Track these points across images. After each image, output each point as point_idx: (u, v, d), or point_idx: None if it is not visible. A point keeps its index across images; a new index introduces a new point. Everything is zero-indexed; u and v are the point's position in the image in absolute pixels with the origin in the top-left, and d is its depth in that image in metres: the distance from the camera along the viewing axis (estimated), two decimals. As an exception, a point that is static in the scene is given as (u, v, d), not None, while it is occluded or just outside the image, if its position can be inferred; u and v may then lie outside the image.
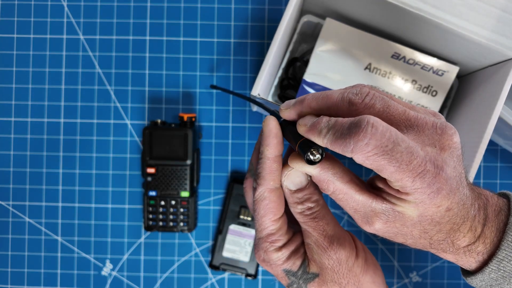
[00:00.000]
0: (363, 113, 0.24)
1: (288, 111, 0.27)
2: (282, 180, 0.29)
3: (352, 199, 0.26)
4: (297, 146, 0.26)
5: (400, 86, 0.49)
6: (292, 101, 0.28)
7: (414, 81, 0.49)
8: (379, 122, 0.22)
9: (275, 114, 0.29)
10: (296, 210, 0.29)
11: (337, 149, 0.24)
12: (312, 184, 0.29)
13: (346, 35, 0.48)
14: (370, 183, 0.27)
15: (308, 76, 0.49)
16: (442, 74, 0.48)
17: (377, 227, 0.26)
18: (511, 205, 0.27)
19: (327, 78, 0.49)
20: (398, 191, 0.24)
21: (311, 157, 0.25)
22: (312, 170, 0.26)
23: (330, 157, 0.27)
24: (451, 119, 0.51)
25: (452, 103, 0.52)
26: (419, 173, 0.23)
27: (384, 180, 0.25)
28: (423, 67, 0.48)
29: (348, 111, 0.25)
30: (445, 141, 0.24)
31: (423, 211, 0.24)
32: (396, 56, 0.48)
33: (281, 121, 0.28)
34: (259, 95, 0.42)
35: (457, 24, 0.40)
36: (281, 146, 0.28)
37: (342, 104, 0.25)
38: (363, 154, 0.23)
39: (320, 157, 0.25)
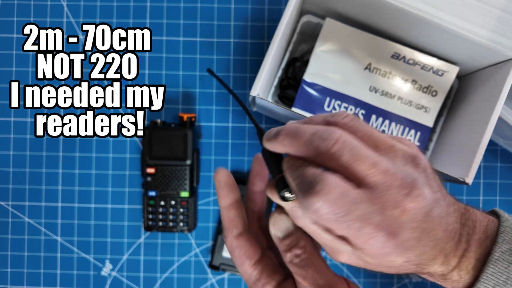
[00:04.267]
0: (328, 163, 0.23)
1: (268, 144, 0.26)
2: (270, 229, 0.28)
3: (319, 236, 0.25)
4: (274, 182, 0.26)
5: (400, 86, 0.49)
6: (272, 132, 0.26)
7: (414, 81, 0.49)
8: (335, 189, 0.22)
9: (262, 132, 0.28)
10: (286, 259, 0.28)
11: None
12: (298, 228, 0.27)
13: (346, 35, 0.48)
14: None
15: (308, 76, 0.49)
16: (442, 74, 0.48)
17: (344, 261, 0.26)
18: (500, 229, 0.26)
19: (327, 78, 0.49)
20: None
21: (286, 194, 0.25)
22: (285, 205, 0.26)
23: None
24: (451, 119, 0.51)
25: (452, 103, 0.52)
26: (368, 240, 0.22)
27: None
28: (423, 67, 0.48)
29: (313, 158, 0.23)
30: (408, 203, 0.22)
31: (379, 262, 0.24)
32: (396, 56, 0.48)
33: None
34: (258, 95, 0.42)
35: (457, 25, 0.40)
36: (233, 193, 0.29)
37: (309, 149, 0.23)
38: (314, 216, 0.23)
39: (294, 197, 0.25)
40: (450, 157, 0.47)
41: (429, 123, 0.49)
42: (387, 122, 0.49)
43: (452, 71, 0.48)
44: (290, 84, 0.53)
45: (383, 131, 0.49)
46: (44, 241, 0.57)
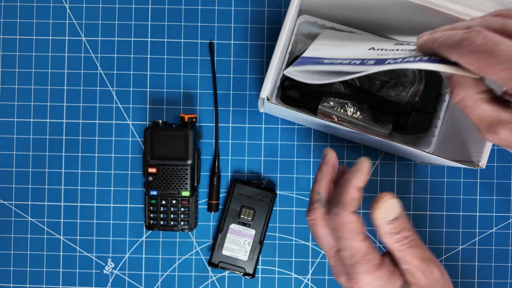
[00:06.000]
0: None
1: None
2: (377, 213, 0.30)
3: (480, 107, 0.27)
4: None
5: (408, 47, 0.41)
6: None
7: None
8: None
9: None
10: (392, 240, 0.31)
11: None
12: (403, 214, 0.31)
13: (336, 34, 0.47)
14: (500, 96, 0.29)
15: (307, 53, 0.44)
16: None
17: (502, 136, 0.27)
18: None
19: (328, 52, 0.43)
20: None
21: None
22: (461, 72, 0.27)
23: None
24: (453, 105, 0.51)
25: None
26: None
27: None
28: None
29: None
30: None
31: None
32: (400, 43, 0.41)
33: None
34: (267, 98, 0.43)
35: (458, 11, 0.41)
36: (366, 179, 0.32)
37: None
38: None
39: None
40: (459, 142, 0.47)
41: None
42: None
43: None
44: (292, 85, 0.54)
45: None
46: (47, 240, 0.58)
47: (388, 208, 0.30)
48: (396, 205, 0.30)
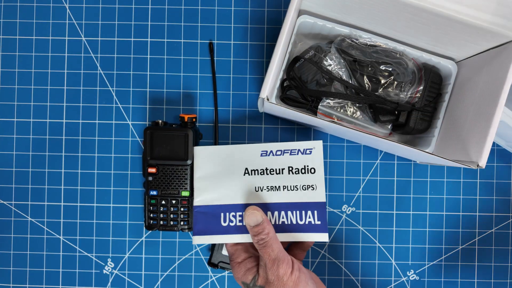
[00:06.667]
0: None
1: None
2: (245, 219, 0.46)
3: None
4: None
5: (281, 177, 0.51)
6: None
7: (290, 168, 0.51)
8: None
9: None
10: (254, 240, 0.44)
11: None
12: (265, 221, 0.45)
13: (216, 154, 0.52)
14: None
15: (197, 203, 0.51)
16: (310, 152, 0.50)
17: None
18: None
19: (215, 196, 0.51)
20: None
21: None
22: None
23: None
24: (455, 104, 0.51)
25: (454, 88, 0.52)
26: None
27: None
28: (291, 152, 0.51)
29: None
30: None
31: None
32: (264, 153, 0.51)
33: None
34: (267, 98, 0.43)
35: (458, 11, 0.41)
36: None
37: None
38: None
39: None
40: (459, 142, 0.47)
41: (321, 198, 0.50)
42: (283, 213, 0.50)
43: (317, 147, 0.50)
44: (292, 85, 0.54)
45: (283, 223, 0.50)
46: (47, 240, 0.58)
47: (250, 216, 0.45)
48: (257, 215, 0.45)
